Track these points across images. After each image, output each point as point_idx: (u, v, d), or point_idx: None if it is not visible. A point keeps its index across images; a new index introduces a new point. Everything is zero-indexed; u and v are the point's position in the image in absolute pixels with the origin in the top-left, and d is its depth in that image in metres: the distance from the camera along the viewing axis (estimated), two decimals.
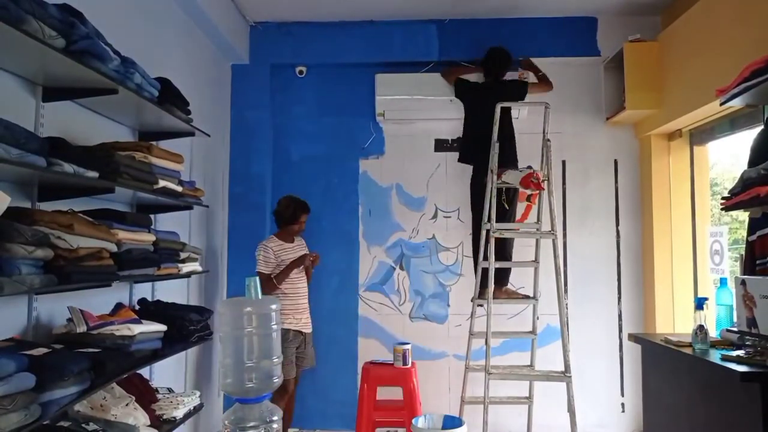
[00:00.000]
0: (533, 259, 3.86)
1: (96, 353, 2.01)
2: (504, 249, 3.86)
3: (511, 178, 3.66)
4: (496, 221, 3.60)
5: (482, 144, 3.77)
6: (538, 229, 3.79)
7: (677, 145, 4.08)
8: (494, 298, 3.61)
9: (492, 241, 3.55)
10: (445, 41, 4.38)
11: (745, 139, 3.37)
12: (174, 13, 3.46)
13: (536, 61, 4.25)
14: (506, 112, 3.89)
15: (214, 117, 4.05)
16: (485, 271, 3.65)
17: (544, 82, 4.12)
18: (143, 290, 2.95)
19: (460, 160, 4.10)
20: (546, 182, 3.58)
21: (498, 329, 4.37)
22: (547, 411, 4.05)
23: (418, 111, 4.35)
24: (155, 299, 3.01)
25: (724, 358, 2.20)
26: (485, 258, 3.64)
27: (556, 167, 4.47)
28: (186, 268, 2.92)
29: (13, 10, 1.62)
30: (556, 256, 3.55)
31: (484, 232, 3.68)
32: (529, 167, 3.74)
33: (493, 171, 3.64)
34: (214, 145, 4.01)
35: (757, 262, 2.57)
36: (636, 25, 4.15)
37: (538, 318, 3.88)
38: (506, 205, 3.75)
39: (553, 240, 3.57)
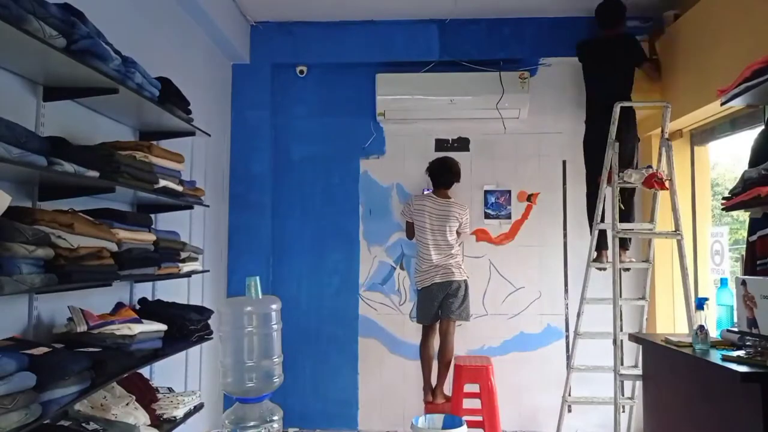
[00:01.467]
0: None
1: (96, 353, 2.01)
2: (628, 212, 3.82)
3: (635, 178, 3.64)
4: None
5: (599, 103, 3.79)
6: (650, 230, 3.76)
7: (678, 145, 4.07)
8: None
9: (616, 242, 3.53)
10: (446, 41, 4.38)
11: (745, 140, 3.37)
12: (175, 12, 3.46)
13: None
14: (624, 73, 3.80)
15: (214, 117, 4.05)
16: (602, 233, 3.71)
17: (657, 66, 3.98)
18: (144, 290, 2.95)
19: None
20: (669, 182, 3.54)
21: (497, 331, 4.39)
22: (548, 410, 4.06)
23: (419, 111, 4.35)
24: (156, 299, 3.01)
25: (725, 359, 2.19)
26: (602, 220, 3.71)
27: (557, 167, 4.47)
28: (186, 267, 2.91)
29: (14, 10, 1.62)
30: (681, 257, 3.48)
31: (602, 194, 3.68)
32: (649, 167, 3.69)
33: (613, 171, 3.61)
34: (214, 144, 4.01)
35: (758, 262, 2.57)
36: (636, 25, 4.14)
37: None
38: (621, 206, 3.71)
39: (678, 241, 3.50)
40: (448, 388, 3.95)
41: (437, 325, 4.00)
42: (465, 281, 3.98)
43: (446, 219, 3.98)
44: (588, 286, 3.78)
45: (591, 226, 3.82)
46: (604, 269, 3.82)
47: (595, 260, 3.79)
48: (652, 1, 4.01)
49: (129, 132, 2.83)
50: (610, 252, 3.67)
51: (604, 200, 3.73)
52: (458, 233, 4.05)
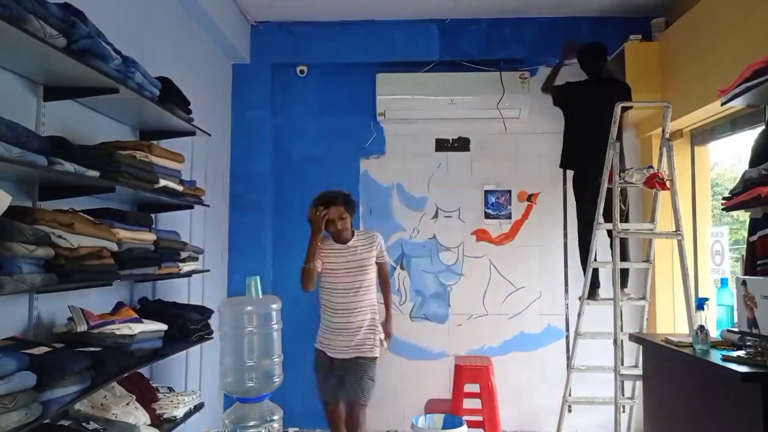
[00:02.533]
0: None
1: (96, 352, 2.01)
2: (624, 250, 3.80)
3: (636, 178, 3.62)
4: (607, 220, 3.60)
5: (590, 146, 3.72)
6: (651, 230, 3.73)
7: (678, 146, 4.07)
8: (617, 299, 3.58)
9: (617, 242, 3.50)
10: (446, 41, 4.38)
11: (746, 140, 3.37)
12: (175, 12, 3.46)
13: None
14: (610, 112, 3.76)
15: (215, 116, 4.05)
16: (596, 271, 3.68)
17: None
18: (144, 289, 2.95)
19: (562, 166, 3.99)
20: (670, 182, 3.52)
21: (497, 330, 4.39)
22: (549, 410, 4.05)
23: (419, 111, 4.35)
24: (156, 298, 3.01)
25: (725, 359, 2.19)
26: (596, 259, 3.66)
27: (557, 167, 4.45)
28: (186, 267, 2.91)
29: (14, 9, 1.62)
30: (682, 257, 3.44)
31: (595, 233, 3.62)
32: (650, 167, 3.67)
33: (614, 171, 3.59)
34: (215, 144, 4.01)
35: (758, 262, 2.57)
36: (636, 25, 4.14)
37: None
38: (622, 206, 3.69)
39: (679, 241, 3.47)
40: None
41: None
42: None
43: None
44: (588, 285, 3.78)
45: (584, 266, 3.76)
46: (598, 302, 3.78)
47: (588, 298, 3.75)
48: (649, 3, 4.01)
49: (129, 132, 2.83)
50: (602, 289, 3.77)
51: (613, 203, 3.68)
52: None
